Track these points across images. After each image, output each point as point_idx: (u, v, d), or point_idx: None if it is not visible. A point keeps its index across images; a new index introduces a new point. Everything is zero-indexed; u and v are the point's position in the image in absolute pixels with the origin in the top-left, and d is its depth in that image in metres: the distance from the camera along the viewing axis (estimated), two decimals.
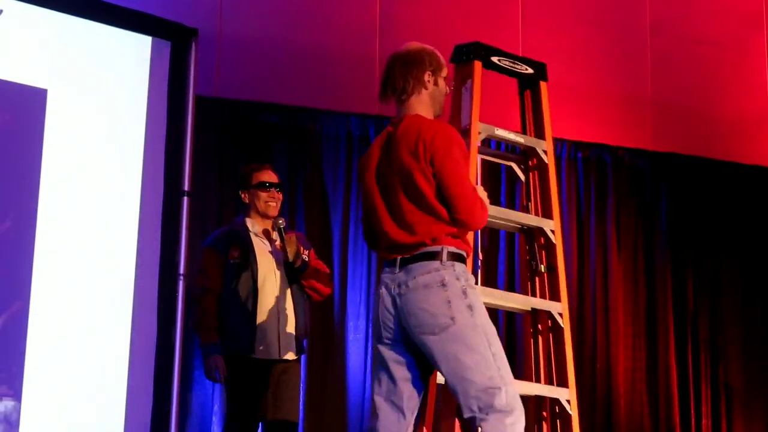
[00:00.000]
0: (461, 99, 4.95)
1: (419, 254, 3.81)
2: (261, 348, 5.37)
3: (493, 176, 7.59)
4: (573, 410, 4.88)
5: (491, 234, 7.51)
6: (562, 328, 4.91)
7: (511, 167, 5.45)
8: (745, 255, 7.92)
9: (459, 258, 3.84)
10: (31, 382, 5.24)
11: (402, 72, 3.95)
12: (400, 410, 3.85)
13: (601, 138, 8.20)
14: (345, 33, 7.50)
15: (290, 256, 5.41)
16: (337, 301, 7.07)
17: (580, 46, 8.40)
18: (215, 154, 6.84)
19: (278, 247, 5.45)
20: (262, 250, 5.49)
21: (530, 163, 5.40)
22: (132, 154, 5.76)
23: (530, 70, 5.19)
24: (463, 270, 3.84)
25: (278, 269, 5.49)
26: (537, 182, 5.23)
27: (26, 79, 5.38)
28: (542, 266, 5.07)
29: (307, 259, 5.46)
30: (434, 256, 3.79)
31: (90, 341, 5.50)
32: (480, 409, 3.68)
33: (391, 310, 3.85)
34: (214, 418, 6.51)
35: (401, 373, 3.86)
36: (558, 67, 8.26)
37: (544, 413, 4.97)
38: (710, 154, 8.42)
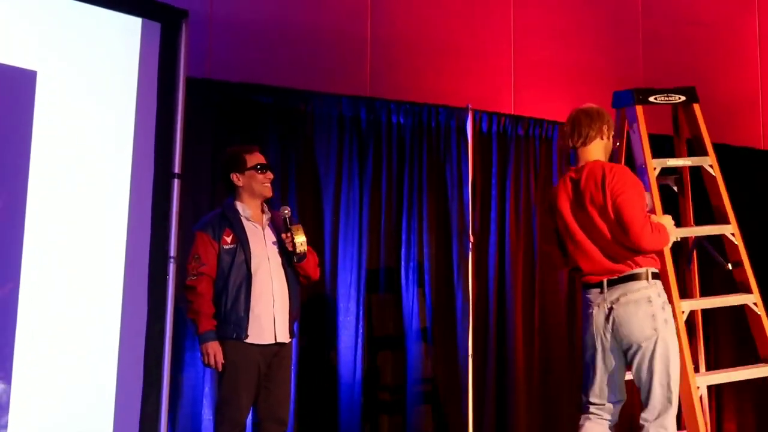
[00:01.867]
0: (630, 140, 5.63)
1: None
2: (255, 333, 5.39)
3: None
4: None
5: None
6: (759, 315, 5.52)
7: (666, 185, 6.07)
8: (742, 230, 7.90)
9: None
10: (22, 364, 5.23)
11: (587, 124, 4.98)
12: None
13: None
14: (337, 14, 7.48)
15: (298, 247, 5.43)
16: (328, 283, 7.08)
17: (573, 26, 8.39)
18: (207, 136, 6.81)
19: (285, 237, 5.46)
20: (254, 234, 5.50)
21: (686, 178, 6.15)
22: (122, 135, 5.73)
23: (683, 98, 5.84)
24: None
25: (271, 253, 5.50)
26: (709, 193, 5.84)
27: (16, 61, 5.34)
28: (729, 265, 5.67)
29: (305, 249, 5.49)
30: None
31: (80, 323, 5.49)
32: None
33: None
34: (205, 401, 6.51)
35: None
36: (550, 47, 8.28)
37: None
38: None
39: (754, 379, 5.87)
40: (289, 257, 5.53)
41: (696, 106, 5.89)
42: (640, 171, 5.63)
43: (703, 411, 5.80)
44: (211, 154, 6.71)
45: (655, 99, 5.71)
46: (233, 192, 5.60)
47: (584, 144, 4.99)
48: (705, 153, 5.82)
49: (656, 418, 4.86)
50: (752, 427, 8.08)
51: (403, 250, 7.31)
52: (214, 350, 5.33)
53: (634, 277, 4.80)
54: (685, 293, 6.39)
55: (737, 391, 8.01)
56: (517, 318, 7.51)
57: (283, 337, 5.50)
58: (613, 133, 5.05)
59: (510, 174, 7.70)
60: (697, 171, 6.16)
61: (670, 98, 5.78)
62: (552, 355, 7.62)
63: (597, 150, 4.99)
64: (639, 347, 4.81)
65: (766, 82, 9.19)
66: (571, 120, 5.09)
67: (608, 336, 4.87)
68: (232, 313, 5.38)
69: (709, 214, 6.21)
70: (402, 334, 7.24)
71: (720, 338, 8.03)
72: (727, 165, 8.18)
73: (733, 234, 5.72)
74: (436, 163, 7.49)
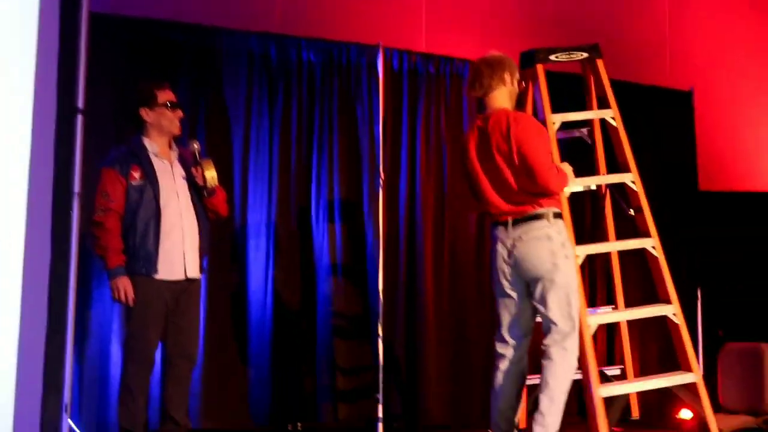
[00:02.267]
0: (534, 97, 5.83)
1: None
2: (165, 268, 5.41)
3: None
4: (680, 320, 5.71)
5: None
6: (657, 258, 5.76)
7: (579, 137, 6.24)
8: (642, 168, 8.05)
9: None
10: None
11: (489, 73, 5.18)
12: None
13: None
14: None
15: (208, 182, 5.44)
16: (237, 220, 7.08)
17: None
18: (114, 73, 6.74)
19: (195, 172, 5.46)
20: (162, 170, 5.49)
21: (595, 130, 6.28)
22: (23, 73, 5.64)
23: (586, 54, 6.04)
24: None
25: (180, 189, 5.49)
26: (613, 144, 5.99)
27: None
28: (631, 210, 5.90)
29: (216, 184, 5.50)
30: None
31: None
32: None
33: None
34: (113, 338, 6.51)
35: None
36: None
37: None
38: (610, 74, 8.49)
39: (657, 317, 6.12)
40: (198, 192, 5.54)
41: (600, 62, 6.08)
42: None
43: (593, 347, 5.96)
44: (119, 91, 6.64)
45: (557, 57, 5.93)
46: (141, 128, 5.58)
47: (486, 93, 5.23)
48: (608, 106, 6.01)
49: (558, 342, 5.09)
50: (654, 357, 8.31)
51: (313, 187, 7.33)
52: (124, 285, 5.35)
53: (536, 217, 5.07)
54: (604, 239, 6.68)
55: (642, 327, 8.19)
56: (427, 254, 7.58)
57: (193, 272, 5.53)
58: (518, 77, 5.24)
59: (421, 112, 7.73)
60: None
61: (572, 56, 6.00)
62: (461, 290, 7.73)
63: (501, 97, 5.22)
64: (540, 280, 5.07)
65: (673, 21, 9.31)
66: (473, 71, 5.31)
67: (511, 271, 5.14)
68: (141, 249, 5.38)
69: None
70: (312, 271, 7.27)
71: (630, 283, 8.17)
72: (634, 103, 8.38)
73: (633, 182, 5.95)
74: (347, 101, 7.50)
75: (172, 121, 5.58)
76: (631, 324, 7.69)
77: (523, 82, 5.41)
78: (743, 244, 8.86)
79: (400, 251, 7.52)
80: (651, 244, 5.84)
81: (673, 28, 9.27)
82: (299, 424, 7.15)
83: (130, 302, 5.35)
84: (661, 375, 6.07)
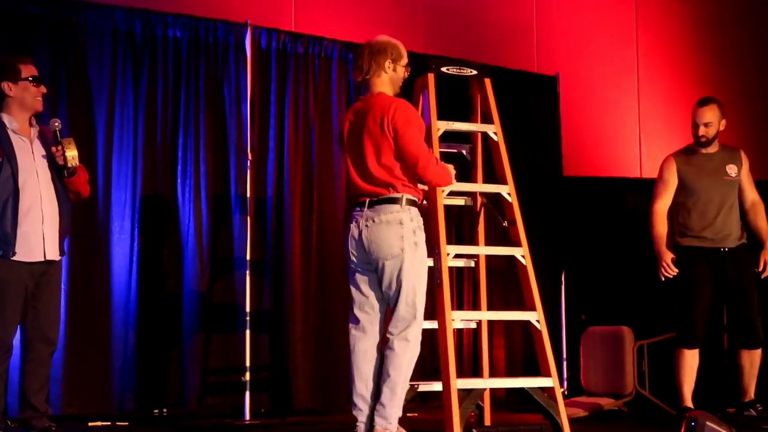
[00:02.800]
0: (422, 104, 5.99)
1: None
2: (23, 250, 5.26)
3: None
4: (542, 327, 5.85)
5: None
6: (525, 266, 5.92)
7: (460, 153, 6.35)
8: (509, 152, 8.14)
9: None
10: None
11: (369, 58, 5.16)
12: None
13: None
14: None
15: (69, 161, 5.30)
16: (101, 201, 6.90)
17: None
18: None
19: (55, 151, 5.30)
20: (21, 147, 5.32)
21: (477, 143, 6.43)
22: None
23: (474, 72, 6.20)
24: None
25: (40, 168, 5.33)
26: (492, 157, 6.18)
27: None
28: (506, 222, 6.06)
29: (77, 164, 5.35)
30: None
31: None
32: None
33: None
34: None
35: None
36: None
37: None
38: (478, 58, 8.55)
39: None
40: (59, 172, 5.37)
41: (487, 81, 6.25)
42: (426, 130, 5.90)
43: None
44: None
45: (447, 70, 6.08)
46: (0, 103, 5.38)
47: (366, 78, 5.20)
48: (491, 122, 6.19)
49: (400, 332, 5.09)
50: (521, 354, 8.49)
51: (179, 167, 7.19)
52: None
53: (391, 201, 5.06)
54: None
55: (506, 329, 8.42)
56: (295, 235, 7.52)
57: (53, 254, 5.37)
58: (403, 63, 5.26)
59: (289, 92, 7.65)
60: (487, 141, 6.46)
61: (462, 71, 6.15)
62: (329, 272, 7.68)
63: (381, 83, 5.20)
64: (386, 264, 5.06)
65: (540, 6, 9.43)
66: (356, 54, 5.28)
67: (361, 252, 5.12)
68: None
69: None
70: (179, 252, 7.15)
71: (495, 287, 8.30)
72: (503, 87, 8.44)
73: (509, 194, 6.10)
74: (214, 79, 7.37)
75: (35, 96, 5.41)
76: (499, 331, 8.00)
77: (408, 68, 5.38)
78: (605, 229, 9.04)
79: (268, 232, 7.44)
80: (521, 253, 6.01)
81: (539, 12, 9.39)
82: (165, 410, 7.03)
83: None
84: (519, 377, 6.44)
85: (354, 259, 5.17)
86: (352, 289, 5.26)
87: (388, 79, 5.22)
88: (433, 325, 5.63)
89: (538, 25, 9.37)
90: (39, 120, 5.55)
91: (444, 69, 6.12)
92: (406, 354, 5.08)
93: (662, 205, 6.69)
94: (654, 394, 7.71)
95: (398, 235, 5.03)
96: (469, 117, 6.40)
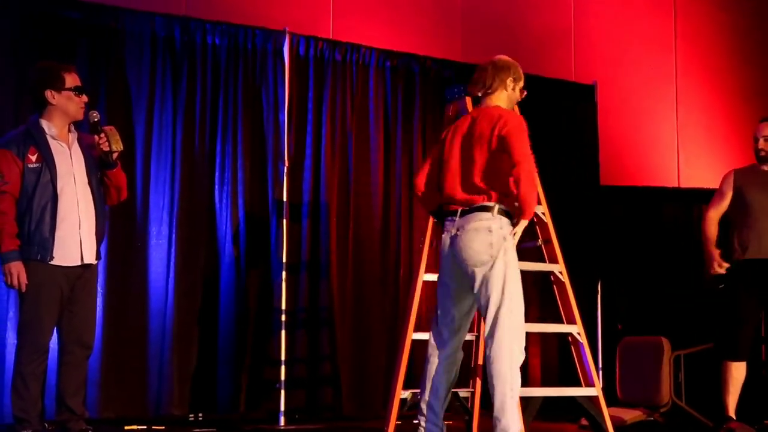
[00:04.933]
0: None
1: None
2: (60, 254, 5.27)
3: None
4: (583, 339, 6.11)
5: None
6: (563, 282, 6.18)
7: None
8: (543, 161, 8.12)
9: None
10: None
11: (493, 74, 5.21)
12: None
13: (410, 47, 8.22)
14: None
15: (113, 145, 5.33)
16: (139, 207, 6.94)
17: None
18: (11, 50, 6.55)
19: (98, 139, 5.32)
20: (60, 152, 5.34)
21: None
22: None
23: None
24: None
25: (77, 173, 5.35)
26: None
27: None
28: (540, 240, 6.33)
29: (121, 148, 5.39)
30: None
31: None
32: None
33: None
34: (9, 324, 6.36)
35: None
36: None
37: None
38: None
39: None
40: (102, 164, 5.41)
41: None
42: None
43: None
44: (15, 68, 6.44)
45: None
46: (40, 109, 5.40)
47: (487, 93, 5.24)
48: None
49: (494, 340, 5.00)
50: (556, 364, 8.47)
51: (217, 174, 7.22)
52: (18, 270, 5.18)
53: (483, 209, 5.03)
54: None
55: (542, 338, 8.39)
56: (331, 241, 7.54)
57: (90, 258, 5.39)
58: (521, 85, 5.33)
59: (326, 99, 7.67)
60: None
61: None
62: (364, 276, 7.70)
63: (499, 98, 5.24)
64: (475, 272, 5.01)
65: (578, 14, 9.40)
66: (479, 69, 5.29)
67: (451, 260, 5.10)
68: (36, 234, 5.22)
69: None
70: (216, 259, 7.17)
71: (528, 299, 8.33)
72: (540, 96, 8.44)
73: (543, 213, 6.28)
74: (252, 86, 7.40)
75: (78, 106, 5.43)
76: (535, 341, 8.08)
77: (525, 92, 5.42)
78: (642, 239, 8.99)
79: (304, 239, 7.45)
80: (558, 269, 6.22)
81: (577, 21, 9.36)
82: (200, 415, 7.05)
83: (23, 287, 5.19)
84: (567, 387, 6.39)
85: (444, 268, 5.17)
86: (440, 299, 5.22)
87: (506, 96, 5.27)
88: None
89: (576, 33, 9.34)
90: (77, 126, 5.57)
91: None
92: (505, 362, 4.98)
93: (715, 212, 6.71)
94: (690, 405, 7.64)
95: (487, 243, 5.00)
96: None
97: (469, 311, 5.22)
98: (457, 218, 5.07)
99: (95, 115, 5.38)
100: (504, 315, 4.98)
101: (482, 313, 5.07)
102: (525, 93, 5.41)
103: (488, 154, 5.05)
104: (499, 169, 5.05)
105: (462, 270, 5.06)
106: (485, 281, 4.99)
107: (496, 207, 5.04)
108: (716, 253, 6.55)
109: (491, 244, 4.99)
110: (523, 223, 5.03)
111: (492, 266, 4.98)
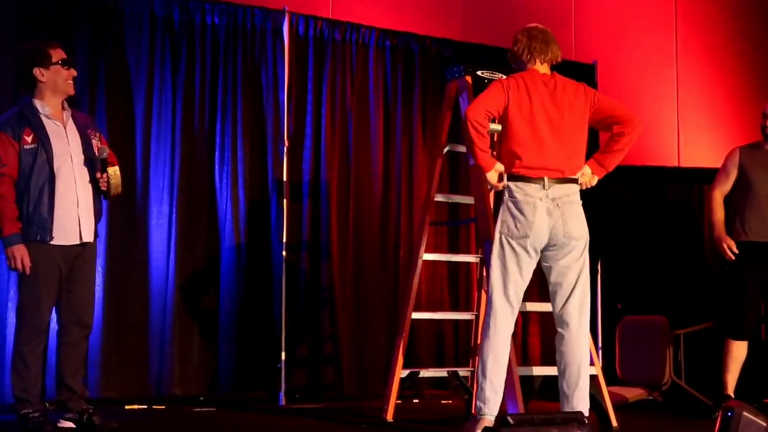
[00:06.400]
0: (460, 106, 6.16)
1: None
2: (59, 234, 5.28)
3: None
4: None
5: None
6: None
7: None
8: None
9: None
10: None
11: (555, 44, 5.24)
12: None
13: (410, 27, 8.21)
14: None
15: (112, 190, 5.36)
16: (139, 186, 6.95)
17: None
18: (10, 33, 6.55)
19: (99, 177, 5.33)
20: (55, 132, 5.34)
21: None
22: None
23: (505, 77, 6.26)
24: None
25: (74, 152, 5.35)
26: None
27: None
28: None
29: (119, 192, 5.43)
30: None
31: None
32: None
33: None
34: (10, 305, 6.37)
35: None
36: None
37: None
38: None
39: None
40: (93, 167, 5.41)
41: None
42: None
43: None
44: (14, 51, 6.43)
45: (482, 73, 6.32)
46: (31, 89, 5.40)
47: (551, 61, 5.22)
48: None
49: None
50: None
51: (217, 154, 7.23)
52: (21, 253, 5.18)
53: (575, 181, 5.06)
54: None
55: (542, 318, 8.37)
56: (331, 223, 7.55)
57: (88, 236, 5.39)
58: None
59: (326, 79, 7.66)
60: None
61: (494, 75, 6.31)
62: (365, 256, 7.72)
63: (546, 69, 5.23)
64: (573, 245, 5.00)
65: None
66: (544, 35, 5.26)
67: (545, 231, 4.97)
68: (35, 215, 5.22)
69: None
70: (216, 239, 7.19)
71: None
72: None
73: None
74: (252, 66, 7.39)
75: (66, 79, 5.41)
76: (535, 320, 8.17)
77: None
78: (642, 218, 8.99)
79: (304, 218, 7.46)
80: None
81: (577, 0, 9.33)
82: (201, 395, 7.07)
83: (27, 270, 5.20)
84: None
85: (524, 239, 4.98)
86: (512, 271, 5.03)
87: (548, 68, 5.24)
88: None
89: (576, 12, 9.31)
90: (71, 104, 5.56)
91: (478, 72, 6.31)
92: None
93: (719, 192, 6.68)
94: (690, 384, 7.66)
95: (583, 216, 5.04)
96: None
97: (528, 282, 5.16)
98: (547, 186, 4.96)
99: (104, 152, 5.37)
100: (587, 291, 5.09)
101: (565, 288, 5.07)
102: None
103: (580, 126, 5.10)
104: (584, 142, 5.13)
105: (556, 241, 4.99)
106: (577, 258, 5.02)
107: (579, 180, 5.11)
108: (728, 239, 6.55)
109: (584, 218, 5.06)
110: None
111: (586, 242, 5.06)
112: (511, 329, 5.09)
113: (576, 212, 5.00)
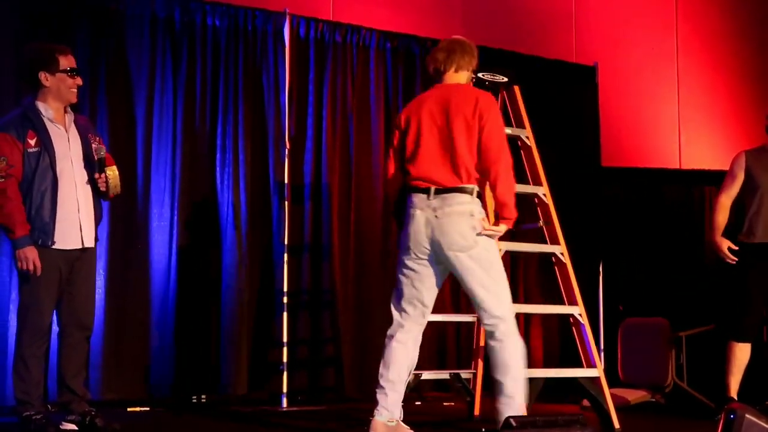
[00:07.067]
0: None
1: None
2: (61, 238, 5.28)
3: None
4: (584, 320, 6.13)
5: None
6: (564, 263, 6.21)
7: None
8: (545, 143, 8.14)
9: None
10: None
11: (461, 54, 5.23)
12: None
13: (410, 29, 8.21)
14: None
15: (111, 190, 5.35)
16: (140, 188, 6.93)
17: None
18: (11, 33, 6.53)
19: (98, 177, 5.32)
20: (57, 136, 5.34)
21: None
22: None
23: (506, 79, 6.56)
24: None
25: (74, 156, 5.34)
26: (524, 160, 6.49)
27: None
28: (541, 221, 6.33)
29: (118, 192, 5.43)
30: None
31: None
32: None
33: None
34: (12, 307, 6.34)
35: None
36: None
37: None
38: (515, 48, 8.54)
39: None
40: (92, 170, 5.40)
41: (516, 88, 6.56)
42: None
43: None
44: (15, 50, 6.43)
45: (483, 76, 6.41)
46: (35, 90, 5.39)
47: (456, 70, 5.24)
48: (523, 127, 6.48)
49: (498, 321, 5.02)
50: (557, 346, 8.51)
51: (218, 156, 7.21)
52: (33, 255, 5.19)
53: (460, 190, 5.00)
54: None
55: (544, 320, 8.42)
56: (333, 225, 7.53)
57: (89, 241, 5.40)
58: (475, 68, 5.38)
59: (327, 81, 7.66)
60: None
61: (495, 77, 6.46)
62: (366, 257, 7.71)
63: (463, 78, 5.28)
64: (458, 255, 4.98)
65: None
66: (446, 49, 5.30)
67: (426, 241, 5.02)
68: (36, 219, 5.22)
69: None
70: (218, 238, 7.17)
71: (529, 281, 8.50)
72: (541, 77, 8.43)
73: (544, 195, 6.33)
74: (252, 68, 7.38)
75: (70, 88, 5.40)
76: (537, 322, 8.15)
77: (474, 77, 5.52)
78: (643, 220, 8.99)
79: (306, 220, 7.45)
80: (559, 251, 6.24)
81: (578, 1, 9.33)
82: (203, 397, 7.06)
83: (38, 272, 5.20)
84: (569, 369, 6.38)
85: (415, 248, 5.08)
86: (404, 278, 5.16)
87: (467, 77, 5.29)
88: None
89: (577, 14, 9.31)
90: (72, 106, 5.55)
91: (480, 75, 6.36)
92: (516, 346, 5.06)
93: (726, 197, 6.67)
94: (691, 386, 7.66)
95: (470, 226, 4.96)
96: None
97: (433, 291, 5.19)
98: (432, 197, 5.00)
99: (101, 152, 5.36)
100: (495, 296, 5.01)
101: (471, 298, 5.07)
102: (473, 78, 5.50)
103: (467, 135, 5.01)
104: (468, 152, 5.03)
105: (436, 252, 5.02)
106: (467, 267, 4.98)
107: (474, 190, 5.03)
108: (724, 244, 6.55)
109: (473, 227, 4.96)
110: (503, 227, 5.01)
111: (475, 249, 4.97)
112: (403, 336, 5.23)
113: (454, 222, 4.99)
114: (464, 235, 4.95)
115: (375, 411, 5.09)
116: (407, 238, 5.08)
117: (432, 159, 5.05)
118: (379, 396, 5.11)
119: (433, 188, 5.01)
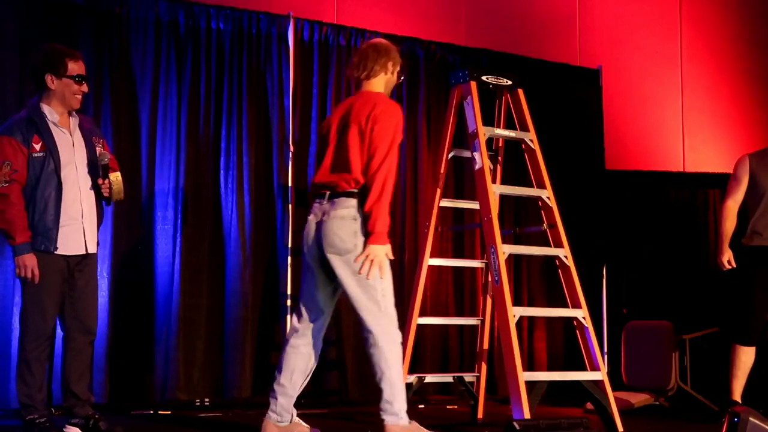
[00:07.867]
0: (464, 111, 6.33)
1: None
2: (64, 244, 5.27)
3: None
4: (588, 323, 6.11)
5: None
6: (568, 266, 6.18)
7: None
8: (549, 146, 8.14)
9: None
10: None
11: (375, 57, 5.20)
12: None
13: (414, 32, 8.21)
14: None
15: (114, 196, 5.36)
16: (144, 191, 6.94)
17: None
18: (15, 36, 6.54)
19: (101, 183, 5.32)
20: (62, 140, 5.33)
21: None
22: None
23: (510, 82, 6.57)
24: None
25: (78, 161, 5.34)
26: (528, 163, 6.48)
27: None
28: (545, 225, 6.33)
29: (121, 198, 5.45)
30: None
31: None
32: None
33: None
34: (15, 310, 6.34)
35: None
36: None
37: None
38: (519, 51, 8.55)
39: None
40: (96, 174, 5.40)
41: (520, 91, 6.54)
42: (472, 136, 6.21)
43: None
44: (19, 54, 6.44)
45: (487, 79, 6.43)
46: (40, 92, 5.38)
47: (368, 77, 5.24)
48: (527, 129, 6.46)
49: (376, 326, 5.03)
50: (561, 348, 8.48)
51: (222, 158, 7.22)
52: (32, 263, 5.18)
53: (350, 195, 4.98)
54: None
55: (548, 323, 8.41)
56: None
57: (92, 247, 5.39)
58: (398, 69, 5.31)
59: (331, 84, 7.67)
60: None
61: (499, 81, 6.47)
62: None
63: (379, 83, 5.25)
64: (339, 259, 4.96)
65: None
66: (360, 53, 5.32)
67: (314, 245, 5.05)
68: (40, 225, 5.21)
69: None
70: (222, 244, 7.17)
71: (533, 284, 8.48)
72: (545, 80, 8.44)
73: (548, 198, 6.32)
74: (257, 71, 7.39)
75: (74, 94, 5.38)
76: (541, 324, 8.15)
77: (402, 76, 5.44)
78: (647, 223, 8.99)
79: None
80: (563, 254, 6.23)
81: (582, 4, 9.33)
82: (206, 400, 7.06)
83: (36, 279, 5.19)
84: (572, 372, 6.43)
85: (307, 251, 5.11)
86: (303, 281, 5.19)
87: (384, 80, 5.26)
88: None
89: (581, 17, 9.32)
90: (78, 110, 5.54)
91: (483, 78, 6.38)
92: (393, 346, 5.05)
93: (733, 202, 6.67)
94: (695, 389, 7.66)
95: (352, 231, 4.93)
96: (492, 120, 6.63)
97: (330, 296, 5.19)
98: (325, 202, 5.02)
99: (105, 158, 5.36)
100: (364, 306, 5.01)
101: (352, 303, 5.05)
102: (402, 77, 5.44)
103: (359, 139, 5.00)
104: (353, 157, 5.01)
105: (324, 255, 4.99)
106: (347, 271, 4.95)
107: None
108: (725, 255, 6.55)
109: (356, 232, 4.94)
110: (376, 248, 4.90)
111: (356, 254, 4.93)
112: (296, 341, 5.19)
113: (336, 225, 4.96)
114: (343, 237, 4.92)
115: (267, 412, 5.15)
116: (302, 242, 5.11)
117: (330, 165, 5.08)
118: (271, 399, 5.16)
119: (328, 194, 5.03)
